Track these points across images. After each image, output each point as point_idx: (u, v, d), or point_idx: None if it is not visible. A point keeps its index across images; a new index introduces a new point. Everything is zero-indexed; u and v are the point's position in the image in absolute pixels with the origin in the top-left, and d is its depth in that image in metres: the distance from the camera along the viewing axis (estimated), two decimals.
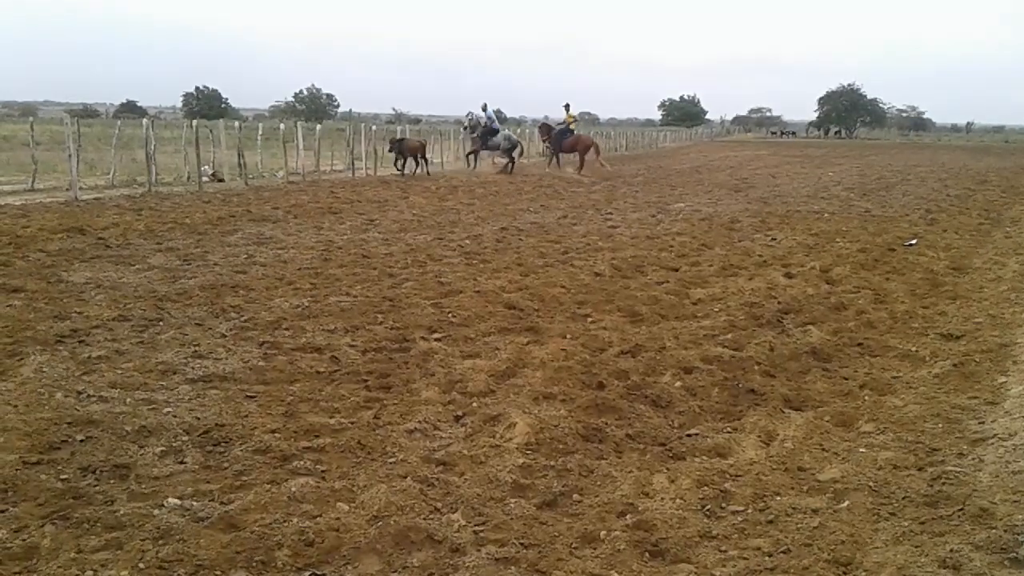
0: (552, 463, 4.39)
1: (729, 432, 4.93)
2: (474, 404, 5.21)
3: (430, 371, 5.85)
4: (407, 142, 24.30)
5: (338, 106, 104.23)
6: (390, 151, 23.86)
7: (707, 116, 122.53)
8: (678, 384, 5.66)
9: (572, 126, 28.20)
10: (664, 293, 8.43)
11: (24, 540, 3.43)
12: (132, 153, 22.11)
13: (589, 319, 7.40)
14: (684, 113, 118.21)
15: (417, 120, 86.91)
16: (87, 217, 12.53)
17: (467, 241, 11.70)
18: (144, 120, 20.36)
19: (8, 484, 3.89)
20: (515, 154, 26.44)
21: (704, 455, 4.59)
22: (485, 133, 26.09)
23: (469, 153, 27.17)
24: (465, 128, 27.72)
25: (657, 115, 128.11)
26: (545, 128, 29.13)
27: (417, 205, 16.23)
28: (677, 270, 9.80)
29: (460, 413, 5.07)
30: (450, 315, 7.33)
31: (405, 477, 4.12)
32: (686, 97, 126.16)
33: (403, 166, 23.89)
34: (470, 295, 8.08)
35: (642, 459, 4.52)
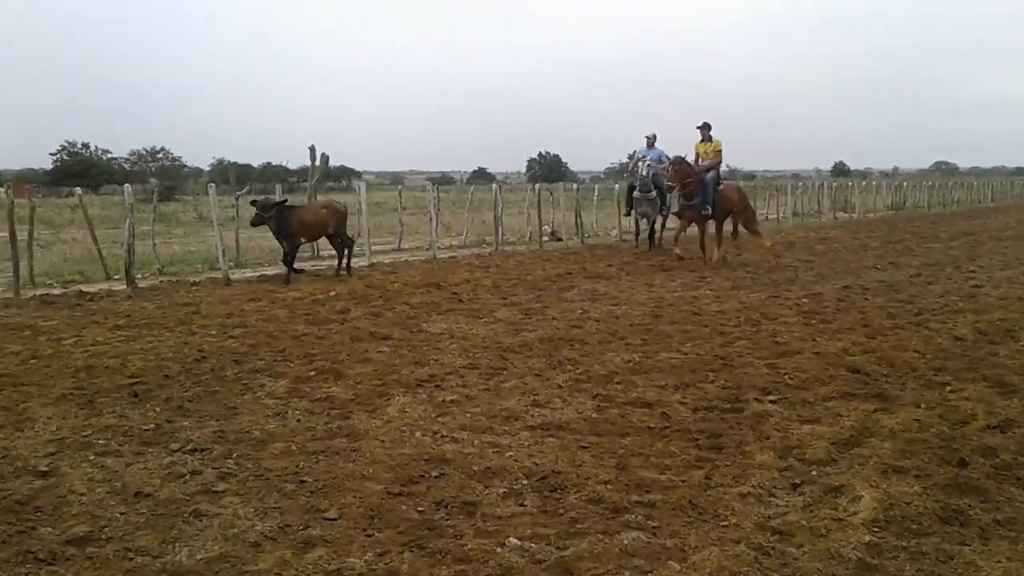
0: (903, 543, 3.97)
1: None
2: (813, 472, 4.89)
3: (764, 434, 5.61)
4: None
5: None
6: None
7: None
8: None
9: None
10: None
11: (386, 564, 3.80)
12: (482, 215, 24.31)
13: (948, 388, 6.63)
14: None
15: (752, 176, 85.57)
16: (443, 274, 13.98)
17: (805, 300, 11.13)
18: (493, 185, 22.28)
19: (375, 512, 4.37)
20: (648, 212, 17.98)
21: None
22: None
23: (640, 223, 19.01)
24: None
25: None
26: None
27: (751, 263, 15.84)
28: None
29: (798, 481, 4.78)
30: (786, 376, 6.99)
31: (738, 542, 3.97)
32: None
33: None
34: (808, 356, 7.65)
35: (1013, 549, 3.91)
